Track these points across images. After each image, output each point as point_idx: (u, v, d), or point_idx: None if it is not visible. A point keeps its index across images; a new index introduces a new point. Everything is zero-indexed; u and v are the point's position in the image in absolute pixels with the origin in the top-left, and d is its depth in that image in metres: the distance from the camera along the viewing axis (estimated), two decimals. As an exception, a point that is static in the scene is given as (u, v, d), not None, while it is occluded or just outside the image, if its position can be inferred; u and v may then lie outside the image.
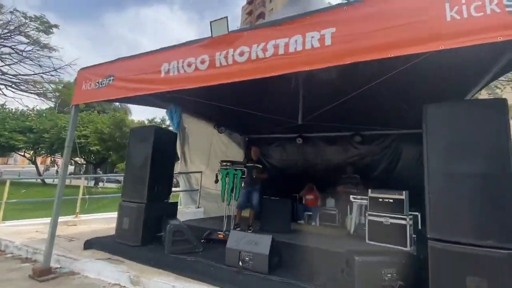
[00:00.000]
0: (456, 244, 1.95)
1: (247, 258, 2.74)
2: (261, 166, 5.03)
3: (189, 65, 2.55)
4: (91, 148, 17.84)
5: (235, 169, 4.33)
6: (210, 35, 2.45)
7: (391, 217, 4.41)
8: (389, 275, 2.25)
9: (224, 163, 4.41)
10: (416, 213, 5.05)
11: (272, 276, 2.59)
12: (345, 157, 6.74)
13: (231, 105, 5.00)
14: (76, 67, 16.56)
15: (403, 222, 4.29)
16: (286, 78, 4.00)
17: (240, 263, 2.73)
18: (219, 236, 4.05)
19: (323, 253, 3.70)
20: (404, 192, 4.48)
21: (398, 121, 5.78)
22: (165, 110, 5.15)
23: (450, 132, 2.11)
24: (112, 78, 3.10)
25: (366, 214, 4.70)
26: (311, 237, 4.87)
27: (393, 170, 6.32)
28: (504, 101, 1.99)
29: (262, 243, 2.76)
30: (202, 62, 2.48)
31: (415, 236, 4.72)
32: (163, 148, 3.90)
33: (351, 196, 5.39)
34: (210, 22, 2.46)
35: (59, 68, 15.77)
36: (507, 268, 1.80)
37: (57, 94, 17.96)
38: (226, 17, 2.38)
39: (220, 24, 2.40)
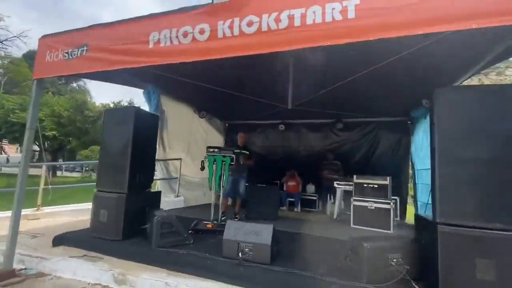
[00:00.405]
0: (465, 227, 1.97)
1: (246, 249, 2.58)
2: (248, 153, 4.84)
3: (185, 35, 2.22)
4: (47, 134, 16.04)
5: (224, 156, 4.08)
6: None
7: (375, 202, 4.54)
8: (395, 260, 2.25)
9: (211, 149, 4.14)
10: (396, 198, 5.31)
11: (274, 266, 2.48)
12: (327, 143, 6.81)
13: (218, 87, 4.66)
14: (27, 39, 14.52)
15: (387, 206, 4.44)
16: (275, 59, 3.79)
17: (240, 255, 2.56)
18: (208, 226, 3.83)
19: (318, 240, 3.68)
20: (388, 177, 4.62)
21: (379, 109, 5.91)
22: (142, 90, 4.65)
23: (459, 117, 2.09)
24: (85, 48, 2.63)
25: (352, 200, 4.78)
26: (298, 223, 4.86)
27: (371, 157, 6.53)
28: (510, 87, 2.01)
29: (263, 233, 2.61)
30: (201, 32, 2.16)
31: (397, 219, 4.97)
32: (144, 132, 3.52)
33: (335, 182, 5.46)
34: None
35: (5, 40, 13.69)
36: (509, 248, 1.86)
37: (1, 70, 15.68)
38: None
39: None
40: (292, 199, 6.62)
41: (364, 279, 2.18)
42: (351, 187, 5.18)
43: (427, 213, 4.18)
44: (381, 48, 3.16)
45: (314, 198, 6.87)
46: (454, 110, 2.12)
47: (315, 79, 4.55)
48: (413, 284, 2.13)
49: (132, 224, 3.23)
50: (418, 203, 5.77)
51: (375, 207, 4.54)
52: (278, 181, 7.02)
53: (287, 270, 2.41)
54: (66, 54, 2.72)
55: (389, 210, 4.42)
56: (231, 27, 2.07)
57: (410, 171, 6.26)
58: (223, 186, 4.16)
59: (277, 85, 4.71)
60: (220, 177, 4.06)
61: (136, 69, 2.72)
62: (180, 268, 2.50)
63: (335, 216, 5.45)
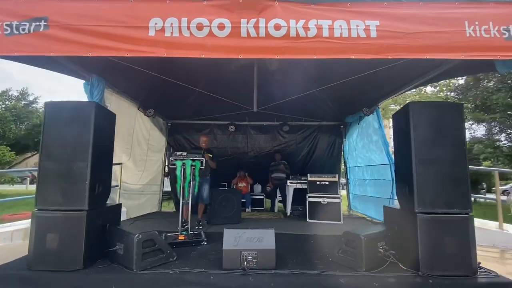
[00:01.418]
0: (435, 214, 2.49)
1: (250, 257, 2.50)
2: (211, 155, 4.62)
3: (200, 27, 1.99)
4: None
5: (193, 160, 3.77)
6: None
7: (327, 197, 5.10)
8: (381, 247, 2.63)
9: (179, 153, 3.76)
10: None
11: (280, 270, 2.49)
12: (274, 145, 7.17)
13: (174, 79, 4.23)
14: None
15: (337, 200, 5.06)
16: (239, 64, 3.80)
17: (245, 264, 2.45)
18: (180, 238, 3.47)
19: (296, 238, 3.88)
20: (336, 175, 5.26)
21: (319, 114, 6.64)
22: (83, 81, 3.76)
23: (428, 126, 2.62)
24: (43, 23, 1.99)
25: (307, 196, 5.21)
26: (263, 224, 4.97)
27: (311, 157, 7.25)
28: (461, 105, 2.67)
29: (266, 238, 2.58)
30: (221, 27, 1.99)
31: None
32: (104, 133, 2.90)
33: (288, 181, 5.83)
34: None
35: None
36: (465, 226, 2.47)
37: None
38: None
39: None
40: (243, 200, 6.66)
41: (363, 268, 2.46)
42: (303, 185, 5.65)
43: (367, 204, 4.96)
44: (343, 66, 3.62)
45: (262, 197, 7.13)
46: (424, 121, 2.63)
47: (278, 86, 4.76)
48: (400, 265, 2.54)
49: (93, 247, 2.62)
50: (351, 195, 6.78)
51: (327, 201, 5.09)
52: (226, 183, 6.97)
53: (292, 271, 2.46)
54: (7, 28, 1.99)
55: (339, 203, 5.04)
56: (256, 27, 1.98)
57: (343, 169, 7.29)
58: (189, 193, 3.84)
59: (241, 87, 4.69)
60: (189, 182, 3.74)
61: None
62: None
63: (288, 213, 5.81)
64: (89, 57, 2.48)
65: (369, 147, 5.60)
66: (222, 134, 7.09)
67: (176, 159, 3.74)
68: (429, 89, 12.31)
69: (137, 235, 2.50)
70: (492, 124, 9.92)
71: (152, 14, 2.02)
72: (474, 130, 11.74)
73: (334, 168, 7.11)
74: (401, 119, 2.87)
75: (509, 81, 8.56)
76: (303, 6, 2.05)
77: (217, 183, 5.98)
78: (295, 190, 5.84)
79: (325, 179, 5.24)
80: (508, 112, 8.91)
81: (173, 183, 7.08)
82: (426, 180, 2.55)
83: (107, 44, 2.01)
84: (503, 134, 10.80)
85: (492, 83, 9.52)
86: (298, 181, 5.72)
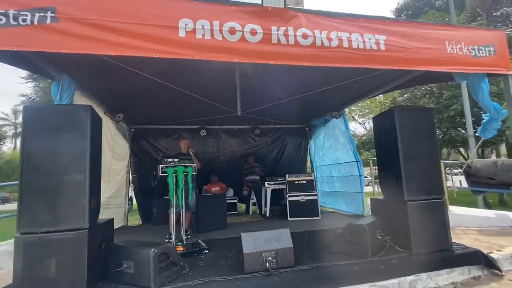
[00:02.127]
0: (419, 201, 2.94)
1: (270, 258, 2.55)
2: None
3: (232, 31, 1.99)
4: None
5: (185, 166, 3.61)
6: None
7: (306, 195, 5.42)
8: (378, 235, 2.98)
9: (170, 160, 3.55)
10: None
11: (299, 266, 2.61)
12: (246, 148, 7.25)
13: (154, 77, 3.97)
14: None
15: (315, 197, 5.41)
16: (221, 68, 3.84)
17: (267, 265, 2.49)
18: (178, 249, 3.27)
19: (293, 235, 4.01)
20: (312, 174, 5.63)
21: (287, 117, 7.00)
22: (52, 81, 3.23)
23: (410, 127, 3.08)
24: (51, 14, 1.73)
25: (287, 196, 5.44)
26: (249, 226, 5.01)
27: (281, 158, 7.56)
28: (432, 109, 3.22)
29: (283, 238, 2.66)
30: (253, 33, 2.03)
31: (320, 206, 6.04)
32: (96, 140, 2.60)
33: (266, 183, 5.97)
34: (265, -12, 2.06)
35: None
36: (442, 209, 2.98)
37: None
38: (284, -9, 2.09)
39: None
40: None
41: (369, 254, 2.75)
42: (280, 185, 5.88)
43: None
44: (319, 76, 3.94)
45: (235, 201, 7.12)
46: (407, 122, 3.08)
47: (256, 92, 4.89)
48: (397, 248, 2.91)
49: (93, 270, 2.32)
50: (319, 192, 7.28)
51: (305, 199, 5.41)
52: (197, 189, 6.75)
53: (311, 266, 2.61)
54: (1, 17, 1.66)
55: (316, 200, 5.41)
56: (286, 35, 2.08)
57: (309, 168, 7.79)
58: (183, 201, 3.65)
59: (219, 91, 4.67)
60: (182, 190, 3.56)
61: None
62: None
63: (267, 214, 5.95)
64: (61, 55, 2.21)
65: (336, 147, 6.15)
66: (192, 138, 6.86)
67: (167, 167, 3.53)
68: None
69: (153, 249, 2.31)
70: None
71: (181, 14, 1.93)
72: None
73: (301, 168, 7.56)
74: (385, 121, 3.29)
75: (434, 89, 10.47)
76: (323, 18, 2.23)
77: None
78: (266, 190, 6.04)
79: (303, 178, 5.56)
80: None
81: (140, 193, 6.56)
82: (412, 173, 2.99)
83: (131, 43, 1.83)
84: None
85: (419, 92, 11.51)
86: (275, 182, 5.93)
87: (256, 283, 2.36)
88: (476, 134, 3.74)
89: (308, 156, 7.66)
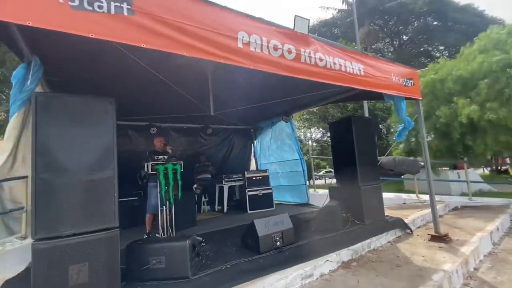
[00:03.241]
0: (368, 185, 4.04)
1: (277, 237, 3.03)
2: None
3: (275, 48, 2.41)
4: None
5: (174, 163, 3.62)
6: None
7: (262, 189, 6.05)
8: (343, 213, 3.91)
9: (160, 157, 3.50)
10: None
11: (300, 242, 3.20)
12: (197, 147, 7.26)
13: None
14: None
15: (270, 191, 6.12)
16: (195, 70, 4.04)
17: (278, 244, 2.97)
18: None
19: None
20: (267, 170, 6.32)
21: (237, 118, 7.49)
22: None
23: (361, 132, 4.15)
24: (127, 6, 1.73)
25: (246, 191, 5.93)
26: (218, 221, 5.22)
27: (227, 157, 7.94)
28: (371, 118, 4.41)
29: (285, 221, 3.18)
30: (289, 52, 2.50)
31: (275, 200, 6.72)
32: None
33: (223, 181, 6.26)
34: (295, 16, 2.57)
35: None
36: (380, 191, 4.19)
37: None
38: (309, 20, 2.65)
39: (303, 22, 2.62)
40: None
41: (341, 227, 3.62)
42: (236, 182, 6.32)
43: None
44: (280, 88, 4.69)
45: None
46: (359, 128, 4.13)
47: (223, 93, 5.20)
48: (355, 221, 3.90)
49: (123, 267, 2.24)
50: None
51: (262, 193, 6.04)
52: (142, 192, 6.39)
53: (309, 240, 3.25)
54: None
55: (271, 193, 6.12)
56: (309, 57, 2.65)
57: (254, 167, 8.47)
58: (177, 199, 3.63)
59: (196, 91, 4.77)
60: (172, 187, 3.56)
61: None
62: (243, 280, 2.45)
63: (225, 210, 6.25)
64: (42, 35, 2.10)
65: (283, 148, 7.06)
66: (139, 136, 6.41)
67: (157, 164, 3.46)
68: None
69: (188, 240, 2.42)
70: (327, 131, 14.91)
71: (239, 27, 2.17)
72: (322, 134, 16.74)
73: (246, 166, 8.16)
74: (341, 127, 4.31)
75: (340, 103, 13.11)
76: (329, 47, 2.90)
77: (129, 191, 5.56)
78: (221, 188, 6.39)
79: (260, 174, 6.17)
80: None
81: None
82: (363, 165, 4.07)
83: (202, 47, 1.95)
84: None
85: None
86: (232, 179, 6.31)
87: (273, 258, 2.80)
88: (394, 138, 5.26)
89: (252, 155, 8.32)
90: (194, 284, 2.32)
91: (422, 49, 22.83)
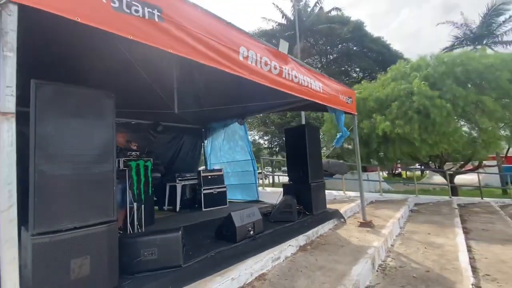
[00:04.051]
0: (314, 183, 4.83)
1: (250, 228, 3.44)
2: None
3: (266, 64, 2.83)
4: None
5: (145, 160, 3.61)
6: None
7: (217, 188, 6.30)
8: (297, 205, 4.57)
9: (134, 153, 3.45)
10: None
11: (267, 230, 3.66)
12: (145, 144, 6.95)
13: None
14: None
15: (224, 189, 6.41)
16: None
17: (251, 233, 3.37)
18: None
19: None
20: (221, 169, 6.59)
21: (188, 117, 7.53)
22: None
23: (311, 137, 4.93)
24: (157, 13, 1.91)
25: (202, 189, 6.07)
26: (176, 219, 5.21)
27: (177, 156, 7.85)
28: (318, 127, 5.25)
29: (255, 213, 3.60)
30: (275, 68, 2.96)
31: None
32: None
33: (177, 180, 6.24)
34: (280, 39, 3.06)
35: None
36: (324, 187, 5.04)
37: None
38: (288, 43, 3.18)
39: (284, 45, 3.13)
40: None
41: (297, 218, 4.26)
42: (190, 181, 6.41)
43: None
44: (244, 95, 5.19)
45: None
46: (310, 134, 4.90)
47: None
48: (306, 213, 4.60)
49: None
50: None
51: (217, 191, 6.29)
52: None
53: (275, 229, 3.74)
54: (116, 0, 1.70)
55: (225, 191, 6.43)
56: (288, 74, 3.17)
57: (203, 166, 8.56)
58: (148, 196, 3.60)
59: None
60: (144, 184, 3.55)
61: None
62: (235, 262, 2.79)
63: (177, 209, 6.23)
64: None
65: (235, 149, 7.46)
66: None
67: (129, 160, 3.41)
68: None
69: (179, 232, 2.59)
70: (269, 136, 15.89)
71: (240, 43, 2.47)
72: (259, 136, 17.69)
73: (195, 166, 8.21)
74: (296, 133, 5.01)
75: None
76: (301, 67, 3.46)
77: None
78: (173, 187, 6.39)
79: (214, 173, 6.39)
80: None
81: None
82: (313, 165, 4.84)
83: (213, 56, 2.19)
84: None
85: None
86: (186, 178, 6.35)
87: (248, 246, 3.19)
88: (332, 145, 6.28)
89: (202, 154, 8.43)
90: (186, 271, 2.51)
91: (343, 68, 26.67)
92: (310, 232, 4.11)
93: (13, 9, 1.27)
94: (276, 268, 3.10)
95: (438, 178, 16.42)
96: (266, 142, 18.76)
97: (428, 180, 18.82)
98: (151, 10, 1.83)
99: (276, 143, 17.29)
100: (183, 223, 4.73)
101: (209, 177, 6.31)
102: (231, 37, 2.45)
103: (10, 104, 1.23)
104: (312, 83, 3.65)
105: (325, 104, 3.97)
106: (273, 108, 6.30)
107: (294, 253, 3.58)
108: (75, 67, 3.29)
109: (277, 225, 4.00)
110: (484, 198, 8.50)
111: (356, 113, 5.16)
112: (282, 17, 22.58)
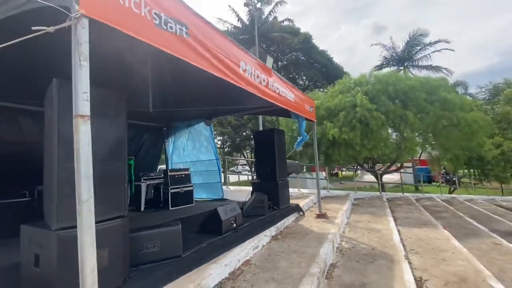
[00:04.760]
0: (281, 181, 5.44)
1: (232, 221, 3.81)
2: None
3: (257, 76, 3.27)
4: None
5: (128, 159, 3.65)
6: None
7: (184, 187, 6.40)
8: (265, 200, 5.09)
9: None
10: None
11: (246, 222, 4.07)
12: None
13: None
14: None
15: (191, 188, 6.54)
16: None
17: (234, 225, 3.74)
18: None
19: (201, 215, 4.98)
20: (188, 168, 6.69)
21: (149, 115, 7.40)
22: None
23: (278, 140, 5.51)
24: (185, 29, 2.19)
25: (169, 188, 6.09)
26: (145, 218, 5.16)
27: (136, 155, 7.58)
28: (283, 131, 5.88)
29: (236, 208, 3.98)
30: (264, 80, 3.41)
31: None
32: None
33: (142, 179, 6.11)
34: (267, 55, 3.53)
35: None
36: (287, 185, 5.69)
37: None
38: (273, 59, 3.66)
39: (270, 60, 3.62)
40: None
41: (267, 212, 4.78)
42: (155, 180, 6.37)
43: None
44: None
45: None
46: (277, 138, 5.49)
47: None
48: (274, 207, 5.15)
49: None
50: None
51: (184, 190, 6.39)
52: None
53: (251, 221, 4.17)
54: (156, 17, 1.94)
55: (192, 190, 6.55)
56: (272, 86, 3.66)
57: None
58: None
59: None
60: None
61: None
62: (224, 251, 3.14)
63: (142, 209, 6.10)
64: None
65: (200, 150, 7.61)
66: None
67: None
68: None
69: (179, 225, 2.83)
70: (225, 136, 16.14)
71: (240, 58, 2.81)
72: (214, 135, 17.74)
73: (156, 164, 8.08)
74: (265, 136, 5.55)
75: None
76: (279, 79, 3.98)
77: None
78: (137, 186, 6.28)
79: (182, 172, 6.45)
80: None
81: None
82: (280, 165, 5.43)
83: (222, 68, 2.49)
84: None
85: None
86: (151, 177, 6.28)
87: (233, 236, 3.57)
88: (294, 146, 6.98)
89: (164, 153, 8.30)
90: (186, 260, 2.77)
91: (291, 75, 28.60)
92: (279, 224, 4.67)
93: (85, 22, 1.44)
94: (257, 255, 3.54)
95: (367, 177, 19.21)
96: (219, 142, 18.95)
97: (360, 179, 21.70)
98: (180, 27, 2.09)
99: (229, 143, 17.68)
100: (155, 222, 4.77)
101: (176, 176, 6.36)
102: (234, 52, 2.81)
103: (86, 108, 1.39)
104: (288, 93, 4.22)
105: (296, 112, 4.59)
106: (242, 111, 6.73)
107: (269, 241, 4.08)
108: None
109: (251, 218, 4.43)
110: (404, 193, 10.45)
111: (315, 120, 5.95)
112: (238, 21, 23.09)
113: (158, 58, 3.02)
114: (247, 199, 5.13)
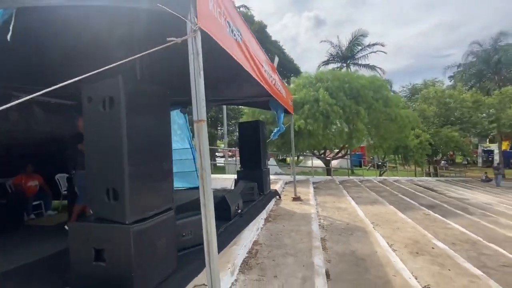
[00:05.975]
0: (264, 169, 5.91)
1: (237, 207, 4.14)
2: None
3: (270, 76, 3.60)
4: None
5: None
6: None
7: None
8: (253, 188, 5.51)
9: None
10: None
11: (245, 209, 4.43)
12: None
13: None
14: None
15: (170, 177, 6.47)
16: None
17: (239, 211, 4.08)
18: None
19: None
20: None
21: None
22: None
23: (263, 130, 5.92)
24: (240, 36, 2.41)
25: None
26: None
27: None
28: (262, 122, 6.31)
29: (237, 195, 4.31)
30: (273, 78, 3.76)
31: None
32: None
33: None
34: (276, 56, 3.86)
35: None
36: (269, 173, 6.20)
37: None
38: (278, 59, 4.01)
39: (276, 60, 3.96)
40: (37, 203, 5.02)
41: (257, 198, 5.22)
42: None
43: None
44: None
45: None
46: (261, 128, 5.89)
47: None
48: (260, 193, 5.61)
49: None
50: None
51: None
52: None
53: (248, 207, 4.55)
54: (227, 25, 2.13)
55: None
56: (276, 83, 4.02)
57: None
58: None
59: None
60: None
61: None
62: (238, 232, 3.49)
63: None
64: None
65: (173, 138, 7.44)
66: None
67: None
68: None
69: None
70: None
71: (262, 60, 3.11)
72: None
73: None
74: (250, 127, 5.89)
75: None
76: (277, 76, 4.37)
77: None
78: None
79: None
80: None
81: None
82: (263, 155, 5.88)
83: (253, 67, 2.74)
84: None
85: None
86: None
87: (240, 220, 3.92)
88: (271, 136, 7.44)
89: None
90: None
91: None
92: (267, 208, 5.18)
93: (199, 35, 1.59)
94: (261, 235, 3.99)
95: (310, 162, 21.37)
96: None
97: (304, 164, 23.81)
98: (239, 34, 2.30)
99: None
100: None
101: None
102: (260, 55, 3.08)
103: (204, 113, 1.55)
104: (282, 89, 4.63)
105: (285, 106, 5.06)
106: (230, 101, 6.87)
107: (264, 223, 4.56)
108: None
109: (246, 204, 4.82)
110: (350, 177, 12.14)
111: (293, 113, 6.53)
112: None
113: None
114: (233, 187, 5.46)
